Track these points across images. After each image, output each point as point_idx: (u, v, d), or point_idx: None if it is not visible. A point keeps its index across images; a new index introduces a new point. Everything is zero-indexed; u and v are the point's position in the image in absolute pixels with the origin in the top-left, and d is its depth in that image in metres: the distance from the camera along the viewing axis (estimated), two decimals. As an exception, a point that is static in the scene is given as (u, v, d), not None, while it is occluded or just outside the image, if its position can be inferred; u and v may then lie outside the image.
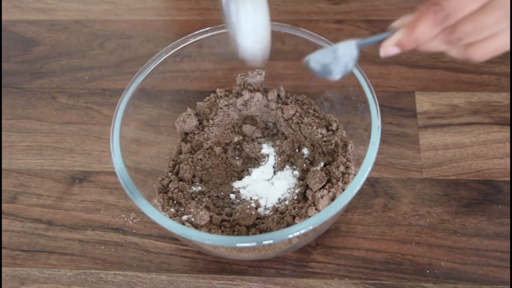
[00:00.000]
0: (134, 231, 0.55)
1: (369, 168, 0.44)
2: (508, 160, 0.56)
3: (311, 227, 0.42)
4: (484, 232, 0.52)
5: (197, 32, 0.55)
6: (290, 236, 0.42)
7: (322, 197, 0.48)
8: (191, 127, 0.56)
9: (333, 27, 0.70)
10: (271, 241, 0.42)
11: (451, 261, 0.51)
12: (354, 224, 0.53)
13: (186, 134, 0.57)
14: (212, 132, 0.56)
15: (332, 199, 0.49)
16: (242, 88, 0.57)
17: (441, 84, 0.63)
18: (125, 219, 0.55)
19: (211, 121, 0.56)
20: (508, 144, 0.57)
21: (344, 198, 0.43)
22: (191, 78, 0.60)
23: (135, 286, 0.51)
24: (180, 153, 0.56)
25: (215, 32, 0.55)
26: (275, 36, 0.55)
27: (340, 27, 0.70)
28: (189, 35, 0.55)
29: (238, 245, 0.42)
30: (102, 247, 0.54)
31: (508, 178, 0.55)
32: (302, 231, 0.42)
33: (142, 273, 0.52)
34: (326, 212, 0.43)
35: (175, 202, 0.51)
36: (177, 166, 0.55)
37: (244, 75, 0.57)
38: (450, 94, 0.62)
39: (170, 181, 0.53)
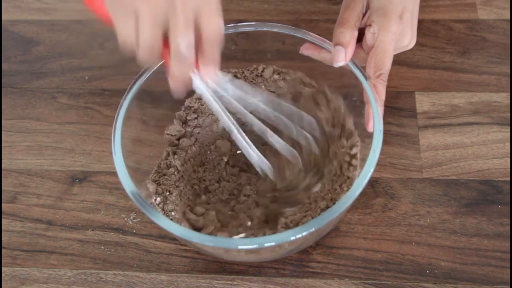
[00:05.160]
0: (134, 231, 0.55)
1: (371, 171, 0.44)
2: (508, 160, 0.56)
3: (305, 232, 0.41)
4: (484, 232, 0.52)
5: None
6: (292, 238, 0.41)
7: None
8: (179, 135, 0.56)
9: (333, 27, 0.69)
10: (272, 243, 0.42)
11: (451, 261, 0.51)
12: (354, 224, 0.53)
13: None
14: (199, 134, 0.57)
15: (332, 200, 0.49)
16: None
17: (441, 84, 0.63)
18: (125, 219, 0.55)
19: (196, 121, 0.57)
20: (508, 144, 0.57)
21: (339, 207, 0.43)
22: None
23: (135, 286, 0.51)
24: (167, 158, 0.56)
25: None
26: (276, 36, 0.55)
27: (340, 27, 0.70)
28: None
29: (239, 247, 0.42)
30: (102, 247, 0.54)
31: (508, 178, 0.55)
32: (298, 236, 0.41)
33: (142, 273, 0.52)
34: (321, 219, 0.42)
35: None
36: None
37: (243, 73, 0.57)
38: (450, 94, 0.62)
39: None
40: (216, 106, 0.45)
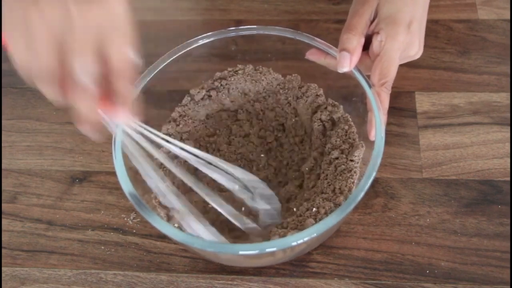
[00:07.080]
0: (134, 231, 0.55)
1: (373, 176, 0.44)
2: (508, 160, 0.56)
3: (307, 238, 0.41)
4: (484, 232, 0.52)
5: (209, 33, 0.54)
6: (294, 243, 0.41)
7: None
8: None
9: (333, 27, 0.70)
10: (274, 249, 0.41)
11: (451, 261, 0.51)
12: (354, 224, 0.53)
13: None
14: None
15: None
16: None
17: (441, 84, 0.63)
18: (125, 219, 0.55)
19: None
20: (508, 144, 0.57)
21: (340, 213, 0.43)
22: (192, 78, 0.59)
23: (135, 286, 0.51)
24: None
25: (225, 35, 0.54)
26: (276, 37, 0.55)
27: (340, 27, 0.68)
28: (201, 36, 0.54)
29: (240, 253, 0.42)
30: (102, 247, 0.54)
31: (508, 178, 0.55)
32: (299, 242, 0.41)
33: (142, 273, 0.52)
34: (322, 224, 0.42)
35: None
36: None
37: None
38: (450, 94, 0.62)
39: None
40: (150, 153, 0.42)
